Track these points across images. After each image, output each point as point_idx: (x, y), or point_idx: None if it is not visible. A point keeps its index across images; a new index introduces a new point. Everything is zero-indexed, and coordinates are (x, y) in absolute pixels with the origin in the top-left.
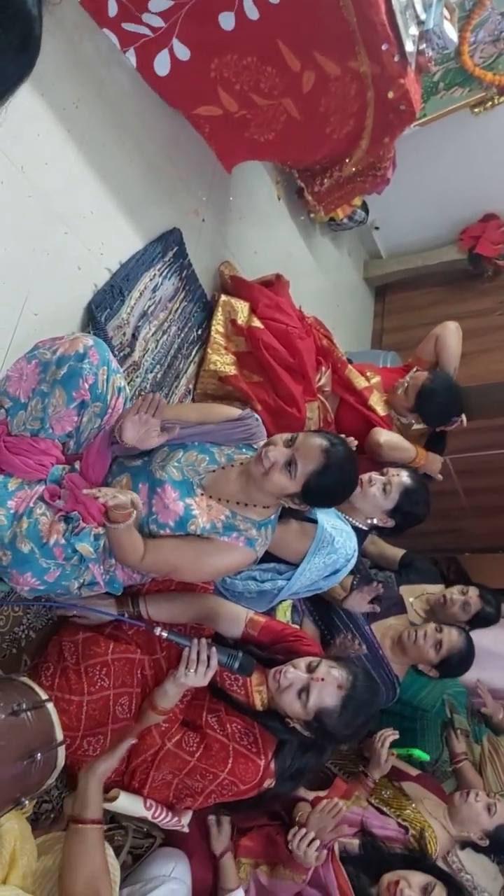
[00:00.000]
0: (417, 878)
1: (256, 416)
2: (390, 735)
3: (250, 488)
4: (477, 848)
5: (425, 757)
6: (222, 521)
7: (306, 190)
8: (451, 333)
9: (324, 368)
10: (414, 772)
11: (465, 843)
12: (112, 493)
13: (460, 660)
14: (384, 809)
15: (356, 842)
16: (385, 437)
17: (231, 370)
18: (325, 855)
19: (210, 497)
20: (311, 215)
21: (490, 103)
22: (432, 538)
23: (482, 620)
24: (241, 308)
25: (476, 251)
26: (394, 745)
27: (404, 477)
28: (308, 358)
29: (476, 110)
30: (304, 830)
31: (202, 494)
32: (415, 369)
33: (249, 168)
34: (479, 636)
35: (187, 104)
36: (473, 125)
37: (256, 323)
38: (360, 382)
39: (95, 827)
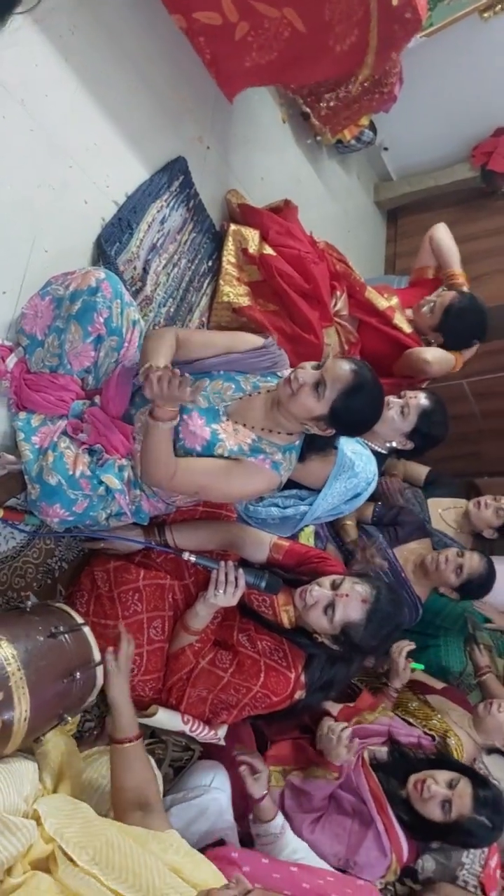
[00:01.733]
0: (443, 775)
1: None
2: (406, 645)
3: (275, 414)
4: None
5: (419, 667)
6: (249, 444)
7: (312, 113)
8: (441, 231)
9: (339, 293)
10: (439, 685)
11: (491, 751)
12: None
13: (480, 583)
14: (410, 720)
15: (384, 749)
16: (430, 353)
17: (245, 301)
18: (355, 751)
19: (236, 423)
20: (318, 138)
21: (500, 6)
22: (451, 462)
23: None
24: (252, 236)
25: (489, 167)
26: (416, 659)
27: (422, 399)
28: (323, 283)
29: (486, 15)
30: (333, 722)
31: (228, 420)
32: (442, 288)
33: (252, 91)
34: (496, 563)
35: (186, 5)
36: (483, 32)
37: (268, 250)
38: (382, 303)
39: (134, 744)
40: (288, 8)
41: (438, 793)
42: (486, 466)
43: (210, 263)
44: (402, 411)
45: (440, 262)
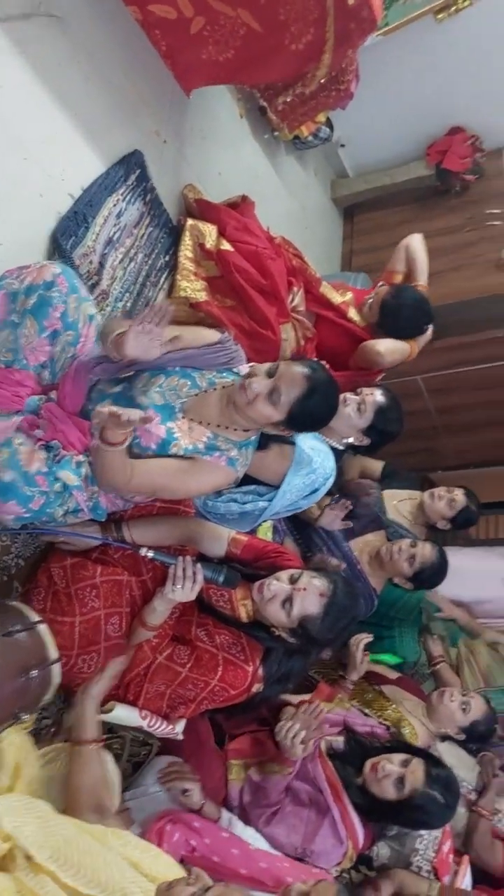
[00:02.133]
0: (397, 757)
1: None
2: (364, 638)
3: (231, 411)
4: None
5: (396, 660)
6: (204, 442)
7: (269, 108)
8: (419, 243)
9: (296, 288)
10: (394, 675)
11: (444, 738)
12: (127, 412)
13: (433, 573)
14: (366, 711)
15: (341, 739)
16: (382, 345)
17: (202, 296)
18: (312, 748)
19: (192, 420)
20: (276, 133)
21: (454, 8)
22: (406, 458)
23: (466, 518)
24: (209, 231)
25: (443, 166)
26: (371, 650)
27: (378, 395)
28: (280, 279)
29: (439, 16)
30: (290, 723)
31: (183, 418)
32: (380, 284)
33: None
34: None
35: None
36: (437, 33)
37: (226, 246)
38: (337, 298)
39: (94, 746)
40: (242, 9)
41: (393, 771)
42: (440, 461)
43: (167, 258)
44: (358, 408)
45: (410, 272)
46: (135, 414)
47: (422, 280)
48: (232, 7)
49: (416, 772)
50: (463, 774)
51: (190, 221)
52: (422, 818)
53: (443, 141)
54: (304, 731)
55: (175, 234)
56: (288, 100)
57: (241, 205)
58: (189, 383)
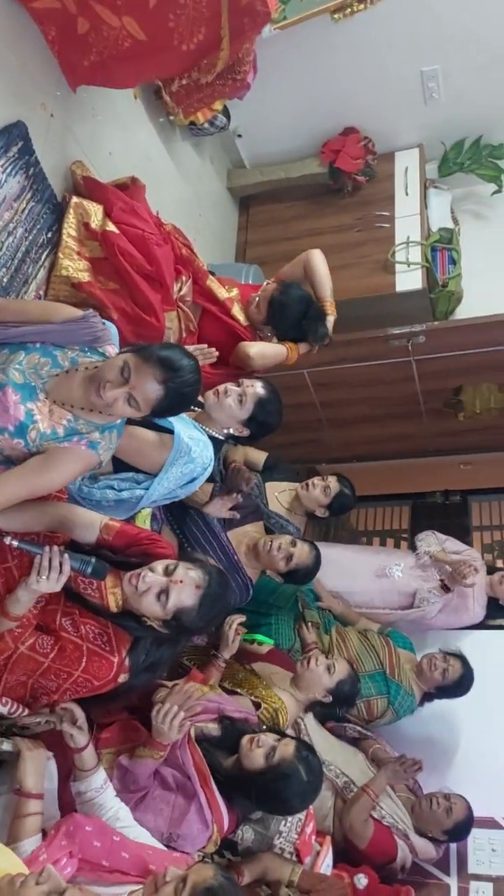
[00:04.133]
0: (273, 734)
1: (103, 319)
2: (237, 618)
3: (94, 395)
4: (324, 708)
5: (269, 641)
6: (64, 426)
7: (164, 90)
8: (318, 259)
9: (184, 278)
10: (264, 649)
11: (313, 705)
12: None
13: (305, 573)
14: (238, 691)
15: (214, 726)
16: (254, 349)
17: (85, 277)
18: (185, 731)
19: (54, 402)
20: (171, 117)
21: (350, 10)
22: (292, 449)
23: (341, 503)
24: (95, 211)
25: (336, 165)
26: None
27: (258, 388)
28: (166, 266)
29: (336, 16)
30: (166, 705)
31: (45, 399)
32: (266, 282)
33: None
34: (325, 549)
35: None
36: (334, 33)
37: (111, 227)
38: (222, 293)
39: None
40: (128, 17)
41: (267, 742)
42: (325, 453)
43: (49, 235)
44: (240, 399)
45: (312, 288)
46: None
47: (327, 296)
48: (117, 16)
49: (288, 746)
50: (329, 758)
51: (75, 199)
52: (283, 792)
53: (337, 140)
54: (180, 713)
55: (59, 210)
56: (183, 83)
57: (130, 187)
58: (50, 362)
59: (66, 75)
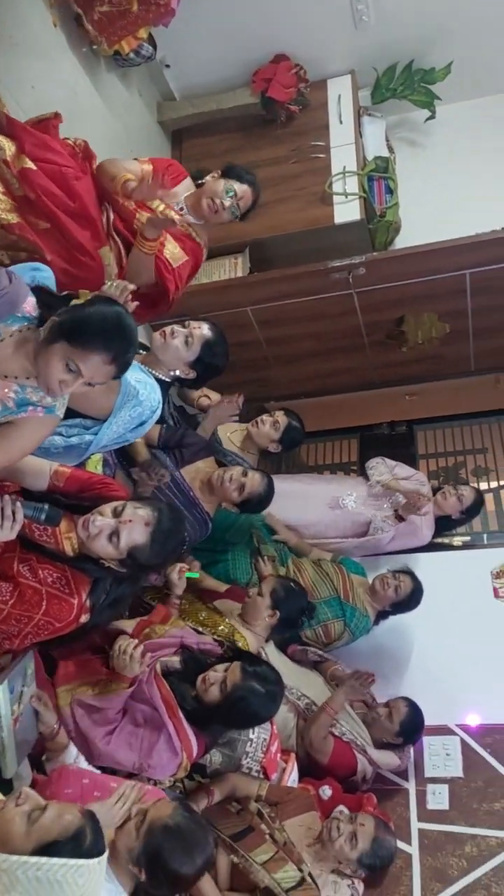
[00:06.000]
0: (220, 666)
1: (34, 263)
2: (180, 566)
3: (33, 358)
4: (281, 630)
5: (195, 576)
6: (13, 399)
7: (84, 18)
8: None
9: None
10: (223, 587)
11: (269, 632)
12: None
13: (259, 501)
14: (200, 629)
15: (177, 658)
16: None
17: (13, 218)
18: (147, 664)
19: None
20: (94, 47)
21: None
22: (241, 388)
23: (292, 437)
24: (8, 146)
25: (268, 94)
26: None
27: (205, 329)
28: (89, 199)
29: None
30: (119, 642)
31: None
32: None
33: None
34: (278, 482)
35: None
36: None
37: (28, 164)
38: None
39: None
40: None
41: (217, 677)
42: (273, 391)
43: None
44: (186, 341)
45: None
46: None
47: None
48: None
49: (235, 671)
50: (290, 682)
51: None
52: (246, 710)
53: (268, 68)
54: (134, 643)
55: None
56: (104, 9)
57: (53, 121)
58: None
59: None
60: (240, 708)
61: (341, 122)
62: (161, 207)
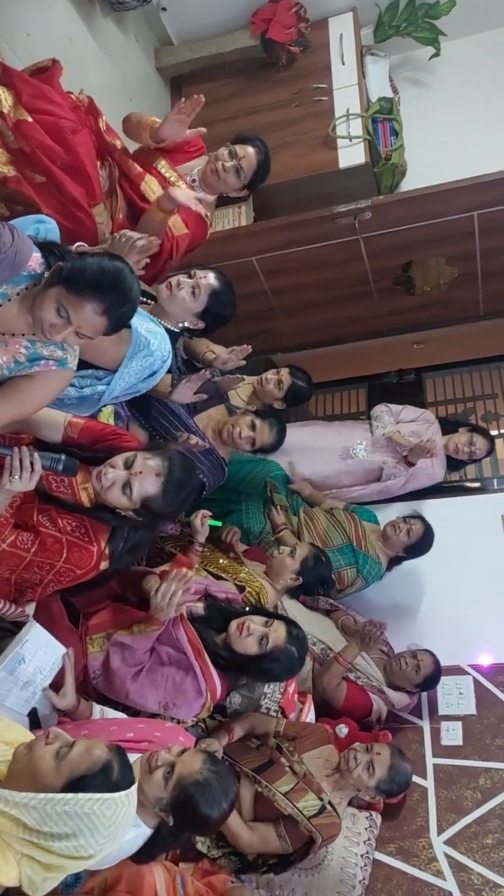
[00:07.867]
0: (259, 618)
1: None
2: (202, 512)
3: (39, 331)
4: (301, 590)
5: (218, 524)
6: (24, 354)
7: None
8: None
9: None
10: (242, 547)
11: (288, 591)
12: None
13: (272, 447)
14: (222, 575)
15: (201, 605)
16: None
17: (9, 171)
18: (181, 610)
19: (3, 335)
20: None
21: None
22: (247, 340)
23: (296, 394)
24: (5, 97)
25: (268, 36)
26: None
27: (212, 279)
28: (86, 154)
29: None
30: (165, 585)
31: None
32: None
33: None
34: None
35: None
36: None
37: (25, 116)
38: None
39: None
40: None
41: (258, 630)
42: (280, 342)
43: None
44: (193, 292)
45: None
46: None
47: None
48: None
49: (279, 630)
50: (307, 628)
51: None
52: (276, 671)
53: (267, 8)
54: (178, 591)
55: None
56: None
57: (52, 69)
58: None
59: None
60: (272, 668)
61: (343, 63)
62: (174, 178)
